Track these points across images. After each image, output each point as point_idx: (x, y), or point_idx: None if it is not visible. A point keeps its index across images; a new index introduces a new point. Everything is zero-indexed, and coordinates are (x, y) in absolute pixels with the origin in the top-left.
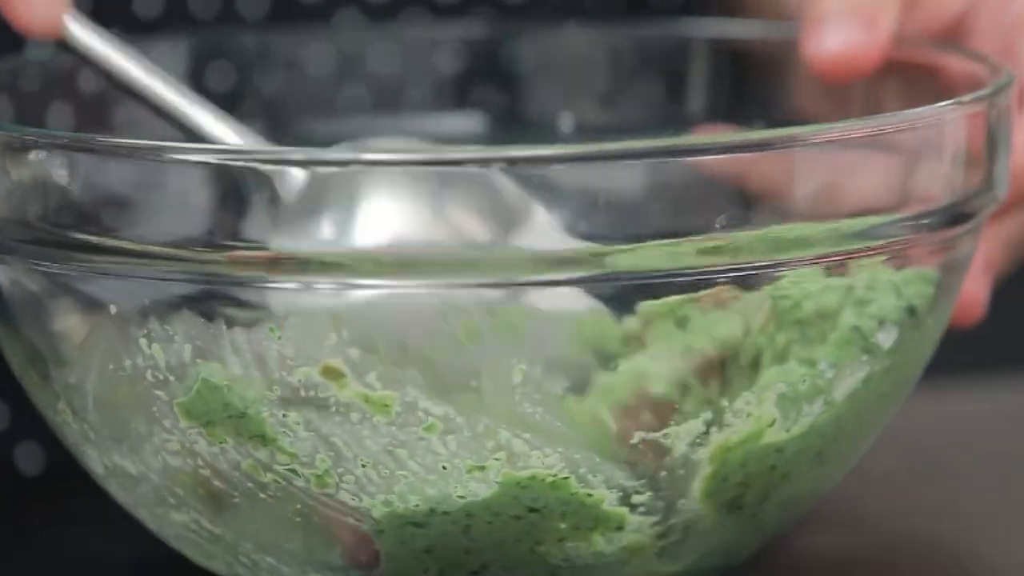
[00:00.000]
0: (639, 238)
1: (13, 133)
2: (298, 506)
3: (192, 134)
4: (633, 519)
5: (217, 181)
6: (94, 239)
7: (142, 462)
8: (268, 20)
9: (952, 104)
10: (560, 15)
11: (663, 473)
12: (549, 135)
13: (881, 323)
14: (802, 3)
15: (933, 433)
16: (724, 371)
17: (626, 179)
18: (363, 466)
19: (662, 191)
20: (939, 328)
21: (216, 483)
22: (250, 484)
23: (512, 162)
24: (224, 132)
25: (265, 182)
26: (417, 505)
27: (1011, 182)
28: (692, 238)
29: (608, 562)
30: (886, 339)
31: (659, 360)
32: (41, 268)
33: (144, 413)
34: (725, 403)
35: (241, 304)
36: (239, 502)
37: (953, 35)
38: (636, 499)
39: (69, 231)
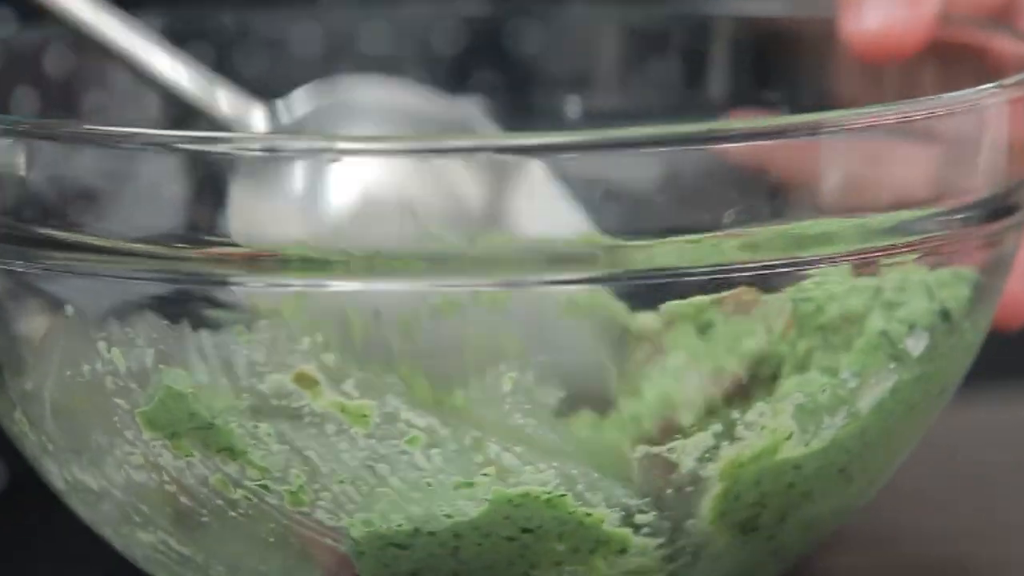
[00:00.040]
0: (652, 233)
1: None
2: (272, 525)
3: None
4: (637, 541)
5: (192, 171)
6: (57, 234)
7: (104, 476)
8: None
9: (994, 88)
10: None
11: (669, 490)
12: (556, 121)
13: (911, 328)
14: None
15: (971, 445)
16: (748, 387)
17: (639, 170)
18: (340, 482)
19: (677, 183)
20: (978, 333)
21: (183, 500)
22: (219, 501)
23: (511, 151)
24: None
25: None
26: (400, 525)
27: None
28: (705, 235)
29: None
30: (916, 345)
31: (687, 385)
32: (0, 266)
33: (104, 423)
34: (736, 415)
35: (208, 304)
36: (208, 521)
37: (1004, 14)
38: (640, 519)
39: (30, 226)
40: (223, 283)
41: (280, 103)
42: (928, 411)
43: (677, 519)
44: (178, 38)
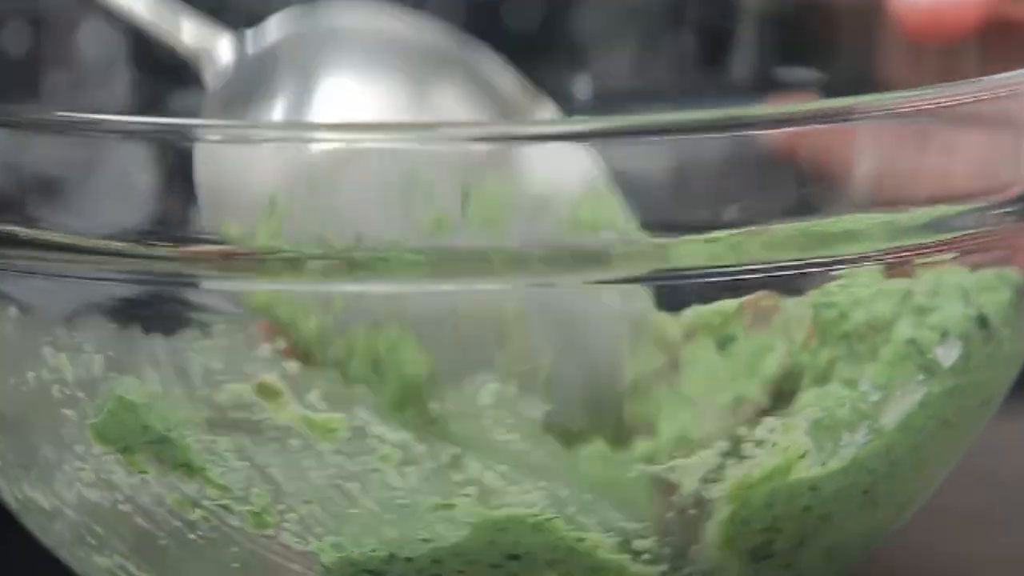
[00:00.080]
0: (671, 229)
1: None
2: (235, 550)
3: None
4: (636, 568)
5: (162, 160)
6: (12, 230)
7: (54, 494)
8: None
9: None
10: None
11: (670, 514)
12: (563, 104)
13: (943, 336)
14: None
15: (1014, 465)
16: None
17: (652, 159)
18: (307, 502)
19: (695, 174)
20: (1020, 342)
21: (139, 521)
22: (178, 523)
23: (512, 138)
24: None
25: None
26: (374, 550)
27: None
28: (718, 232)
29: None
30: (947, 355)
31: (706, 419)
32: None
33: (52, 436)
34: (744, 431)
35: (163, 305)
36: (167, 544)
37: None
38: (639, 544)
39: None
40: (193, 284)
41: (249, 32)
42: (966, 427)
43: (680, 545)
44: None
